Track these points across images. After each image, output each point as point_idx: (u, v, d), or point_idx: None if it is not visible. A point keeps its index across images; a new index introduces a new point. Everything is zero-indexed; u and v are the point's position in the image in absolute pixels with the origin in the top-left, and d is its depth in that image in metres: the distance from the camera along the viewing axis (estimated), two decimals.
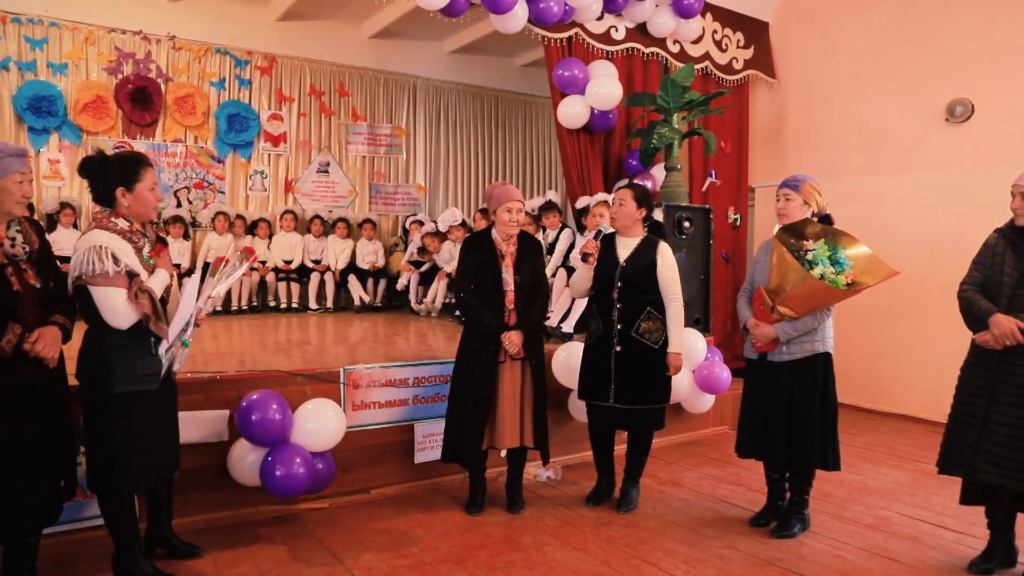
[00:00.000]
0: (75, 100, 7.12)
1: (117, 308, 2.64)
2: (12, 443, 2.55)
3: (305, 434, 3.56)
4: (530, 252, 3.76)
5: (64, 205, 6.79)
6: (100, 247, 2.63)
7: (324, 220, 8.17)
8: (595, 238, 3.79)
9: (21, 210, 2.62)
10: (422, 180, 9.23)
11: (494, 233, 3.74)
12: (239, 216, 7.79)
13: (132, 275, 2.67)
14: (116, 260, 2.64)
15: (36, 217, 6.46)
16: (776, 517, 3.66)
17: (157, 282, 2.77)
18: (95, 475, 2.80)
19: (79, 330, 2.78)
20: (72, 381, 2.86)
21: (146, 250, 2.79)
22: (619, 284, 3.72)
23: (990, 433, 2.99)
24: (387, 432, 4.15)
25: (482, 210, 7.44)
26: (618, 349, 3.72)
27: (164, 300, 2.82)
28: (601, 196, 5.74)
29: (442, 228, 7.62)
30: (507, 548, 3.37)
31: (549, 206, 6.53)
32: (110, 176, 2.75)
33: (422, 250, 7.72)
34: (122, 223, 2.75)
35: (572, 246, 6.18)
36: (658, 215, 5.39)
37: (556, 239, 6.25)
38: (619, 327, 3.72)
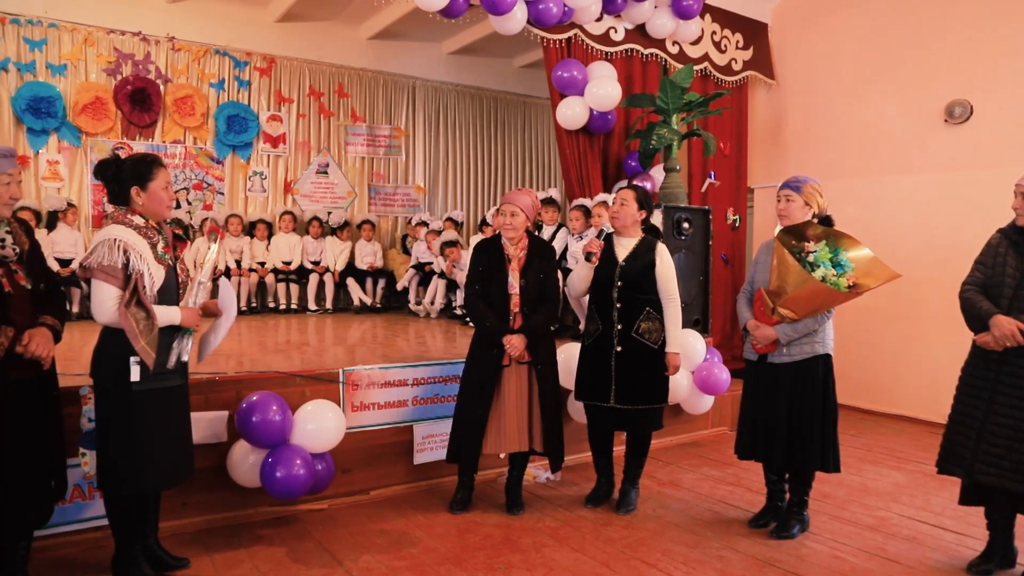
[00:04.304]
0: (74, 101, 7.12)
1: (104, 304, 2.64)
2: (2, 446, 2.54)
3: (305, 435, 3.56)
4: (539, 256, 3.75)
5: (71, 204, 6.79)
6: (114, 240, 2.65)
7: (323, 222, 8.17)
8: (598, 237, 3.78)
9: (7, 212, 2.63)
10: (421, 181, 9.23)
11: (503, 237, 3.76)
12: (233, 215, 7.78)
13: (130, 277, 2.65)
14: (126, 255, 2.64)
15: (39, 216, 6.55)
16: (775, 518, 3.66)
17: (164, 313, 2.74)
18: (103, 473, 2.79)
19: (80, 331, 2.78)
20: (68, 382, 2.86)
21: (160, 246, 2.79)
22: (619, 283, 3.72)
23: (989, 434, 2.99)
24: (386, 433, 4.15)
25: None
26: (618, 349, 3.72)
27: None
28: (601, 197, 5.74)
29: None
30: (506, 549, 3.37)
31: (548, 201, 6.51)
32: (125, 176, 2.78)
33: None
34: (138, 219, 2.78)
35: (568, 246, 6.17)
36: (657, 217, 5.41)
37: (552, 237, 6.24)
38: (619, 327, 3.72)
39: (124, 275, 2.65)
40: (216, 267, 3.01)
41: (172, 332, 2.80)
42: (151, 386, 2.74)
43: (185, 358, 2.88)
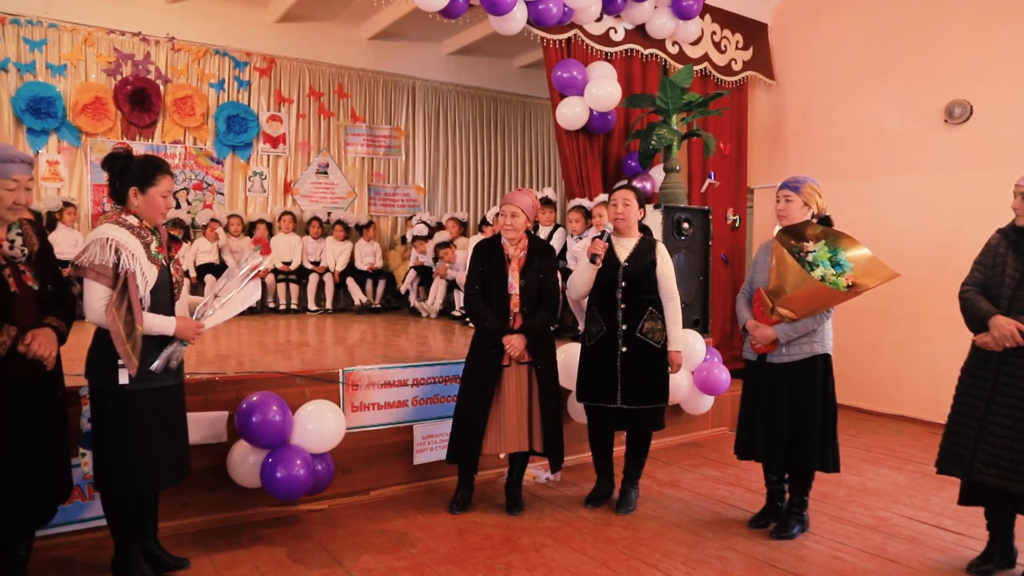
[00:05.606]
0: (74, 101, 7.13)
1: (93, 304, 2.64)
2: (3, 445, 2.54)
3: (305, 435, 3.56)
4: (539, 256, 3.76)
5: (67, 204, 6.78)
6: (106, 239, 2.65)
7: (323, 222, 8.17)
8: (601, 238, 3.76)
9: (13, 216, 2.62)
10: (421, 181, 9.23)
11: (503, 237, 3.76)
12: (234, 215, 7.78)
13: (118, 277, 2.63)
14: (117, 255, 2.64)
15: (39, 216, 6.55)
16: (775, 518, 3.66)
17: (156, 322, 2.73)
18: (100, 473, 2.79)
19: (81, 331, 2.78)
20: (69, 383, 2.86)
21: (153, 246, 2.79)
22: (623, 284, 3.72)
23: (989, 434, 2.99)
24: (386, 433, 4.15)
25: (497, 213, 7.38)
26: (624, 350, 3.72)
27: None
28: (602, 198, 5.73)
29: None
30: (506, 549, 3.37)
31: (545, 202, 6.50)
32: (128, 175, 2.79)
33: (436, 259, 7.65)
34: (132, 219, 2.77)
35: (565, 246, 6.17)
36: (656, 216, 5.41)
37: (549, 237, 6.23)
38: (624, 328, 3.72)
39: (114, 275, 2.64)
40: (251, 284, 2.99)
41: (164, 340, 2.79)
42: (144, 386, 2.74)
43: (174, 365, 2.85)
